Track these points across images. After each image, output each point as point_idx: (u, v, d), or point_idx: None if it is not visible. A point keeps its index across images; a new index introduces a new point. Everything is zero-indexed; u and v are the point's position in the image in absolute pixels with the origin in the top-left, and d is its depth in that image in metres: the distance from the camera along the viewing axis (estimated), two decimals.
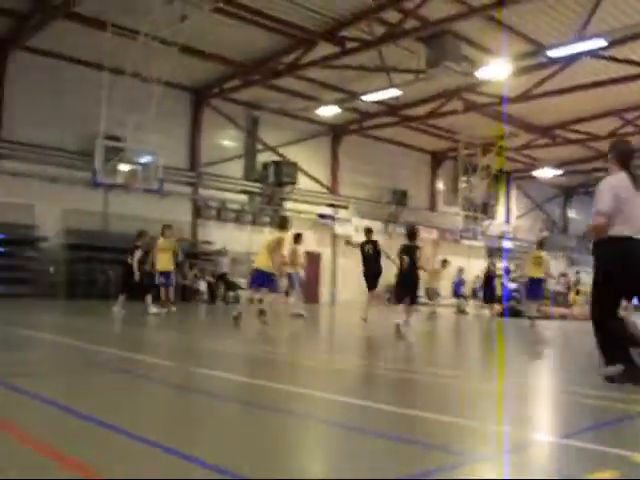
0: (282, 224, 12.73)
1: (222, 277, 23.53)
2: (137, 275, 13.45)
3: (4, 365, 5.74)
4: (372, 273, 14.36)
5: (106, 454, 2.87)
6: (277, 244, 11.88)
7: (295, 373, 6.18)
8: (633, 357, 5.35)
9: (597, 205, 5.66)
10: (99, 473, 2.57)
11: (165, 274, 14.47)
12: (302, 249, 16.59)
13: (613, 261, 5.49)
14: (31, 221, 21.52)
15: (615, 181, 5.61)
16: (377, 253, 14.51)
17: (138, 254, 13.56)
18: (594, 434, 3.62)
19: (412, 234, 12.23)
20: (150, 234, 15.28)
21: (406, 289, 12.04)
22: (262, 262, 11.93)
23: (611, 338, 5.45)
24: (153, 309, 13.45)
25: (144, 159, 20.21)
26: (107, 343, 8.11)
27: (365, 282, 14.33)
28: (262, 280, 11.98)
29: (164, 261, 14.34)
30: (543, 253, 16.23)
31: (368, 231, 15.12)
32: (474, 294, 24.46)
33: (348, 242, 15.65)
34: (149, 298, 13.73)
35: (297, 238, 16.03)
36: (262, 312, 11.70)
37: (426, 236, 33.07)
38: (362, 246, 14.61)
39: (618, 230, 5.47)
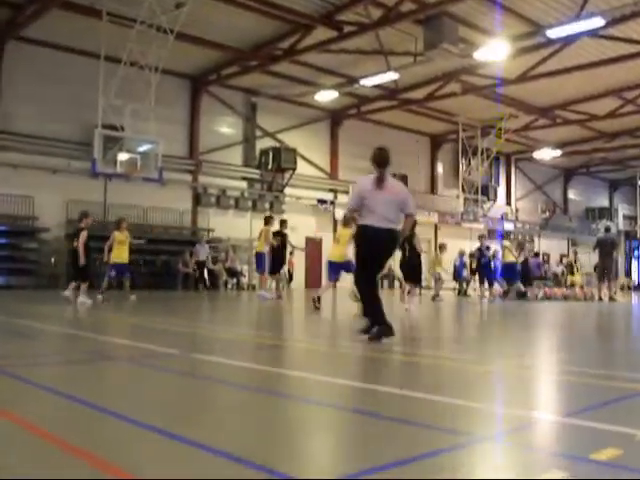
0: (346, 222, 12.80)
1: (201, 266, 22.72)
2: (82, 259, 13.21)
3: (5, 355, 5.75)
4: (278, 261, 17.09)
5: (111, 441, 2.89)
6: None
7: (298, 357, 6.21)
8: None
9: (350, 202, 7.44)
10: (108, 460, 2.58)
11: (120, 266, 14.66)
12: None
13: (362, 244, 7.16)
14: (31, 212, 21.54)
15: (362, 182, 7.25)
16: (284, 245, 16.97)
17: (84, 236, 13.35)
18: (596, 412, 3.63)
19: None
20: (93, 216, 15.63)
21: (410, 275, 13.46)
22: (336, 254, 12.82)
23: (374, 302, 7.03)
24: (82, 298, 13.18)
25: (143, 148, 20.17)
26: (107, 331, 8.15)
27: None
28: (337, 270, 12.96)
29: (121, 253, 14.49)
30: (507, 243, 19.97)
31: (282, 223, 17.39)
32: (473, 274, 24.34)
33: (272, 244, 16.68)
34: (84, 286, 13.47)
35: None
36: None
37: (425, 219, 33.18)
38: (274, 236, 16.77)
39: (363, 220, 6.98)
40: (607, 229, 23.27)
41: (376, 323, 6.96)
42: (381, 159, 7.12)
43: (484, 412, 3.70)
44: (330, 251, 13.72)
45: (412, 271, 13.51)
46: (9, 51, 21.05)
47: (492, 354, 6.71)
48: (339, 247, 12.81)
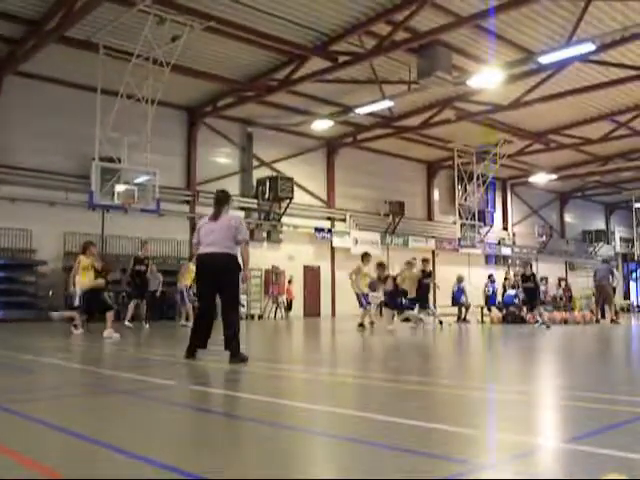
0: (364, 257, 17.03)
1: (152, 295, 19.25)
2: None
3: (4, 390, 5.72)
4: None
5: (111, 477, 2.88)
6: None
7: (292, 386, 6.18)
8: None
9: (193, 237, 8.09)
10: None
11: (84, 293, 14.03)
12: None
13: (196, 271, 8.01)
14: (29, 245, 21.56)
15: (203, 219, 8.04)
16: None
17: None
18: (600, 437, 3.62)
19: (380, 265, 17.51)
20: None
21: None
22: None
23: (195, 331, 7.81)
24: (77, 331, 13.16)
25: (140, 179, 20.23)
26: (106, 365, 8.12)
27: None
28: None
29: (83, 279, 13.87)
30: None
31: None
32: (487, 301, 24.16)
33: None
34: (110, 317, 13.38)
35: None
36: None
37: (422, 245, 33.23)
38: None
39: (199, 251, 7.78)
40: (604, 260, 23.86)
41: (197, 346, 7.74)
42: (219, 199, 8.01)
43: (485, 439, 3.68)
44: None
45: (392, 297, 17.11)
46: (7, 85, 21.21)
47: (492, 379, 6.69)
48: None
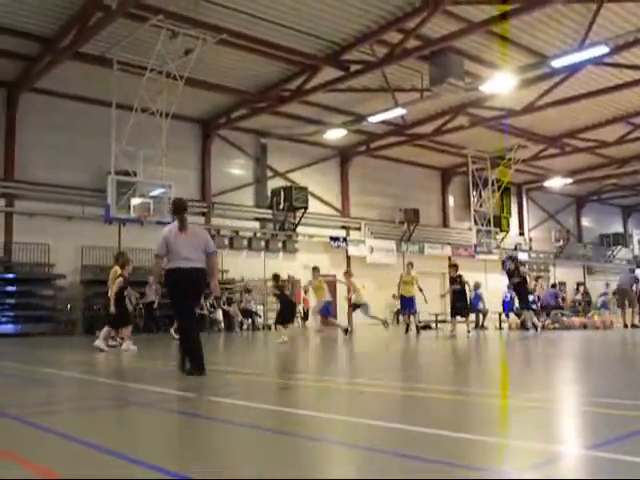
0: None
1: (148, 307, 19.91)
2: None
3: (24, 404, 5.76)
4: None
5: None
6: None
7: (305, 395, 6.17)
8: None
9: (156, 249, 7.93)
10: None
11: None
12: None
13: (172, 285, 7.69)
14: (47, 259, 21.74)
15: (167, 229, 7.86)
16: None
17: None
18: (622, 444, 3.59)
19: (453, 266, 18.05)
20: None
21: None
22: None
23: (188, 341, 7.72)
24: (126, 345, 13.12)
25: (156, 192, 20.34)
26: (126, 377, 8.15)
27: None
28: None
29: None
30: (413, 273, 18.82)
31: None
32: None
33: None
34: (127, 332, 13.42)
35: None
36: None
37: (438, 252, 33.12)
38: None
39: (170, 264, 7.67)
40: (631, 270, 23.61)
41: (191, 359, 7.65)
42: (177, 207, 7.96)
43: (506, 447, 3.66)
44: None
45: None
46: (23, 102, 21.49)
47: (512, 387, 6.64)
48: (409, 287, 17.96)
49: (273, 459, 3.47)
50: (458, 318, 17.76)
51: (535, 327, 17.78)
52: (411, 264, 19.50)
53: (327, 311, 18.11)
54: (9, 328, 20.68)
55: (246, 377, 8.00)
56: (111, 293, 12.98)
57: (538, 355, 11.58)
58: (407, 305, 18.60)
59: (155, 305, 19.20)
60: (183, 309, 7.81)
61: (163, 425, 4.68)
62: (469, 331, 17.82)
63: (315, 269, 17.36)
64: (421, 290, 18.19)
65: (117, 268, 13.27)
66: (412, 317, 18.72)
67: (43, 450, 3.78)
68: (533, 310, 18.92)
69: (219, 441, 4.04)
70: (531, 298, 22.35)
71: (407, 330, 18.29)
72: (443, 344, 14.48)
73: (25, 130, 21.58)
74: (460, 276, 17.56)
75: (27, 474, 3.19)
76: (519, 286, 17.80)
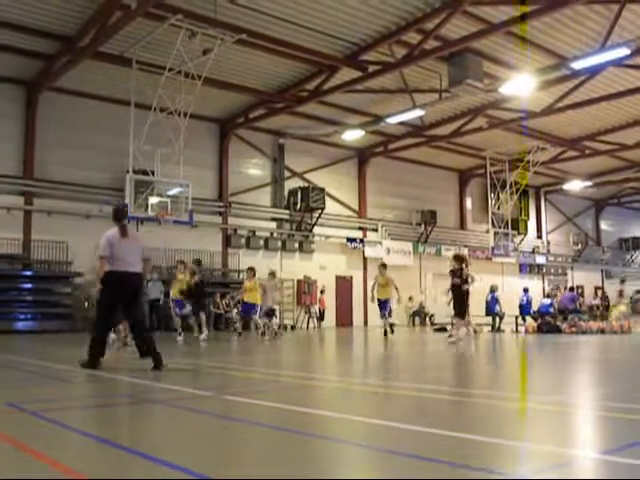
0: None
1: (153, 304, 19.18)
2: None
3: (44, 400, 5.80)
4: None
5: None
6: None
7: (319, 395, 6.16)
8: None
9: (98, 251, 8.42)
10: None
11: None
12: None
13: (113, 286, 8.20)
14: (65, 257, 21.90)
15: (110, 233, 8.39)
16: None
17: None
18: (637, 450, 3.54)
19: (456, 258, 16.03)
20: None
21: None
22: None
23: (99, 339, 8.30)
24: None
25: (173, 191, 20.43)
26: (140, 374, 8.17)
27: None
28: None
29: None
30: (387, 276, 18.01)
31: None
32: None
33: None
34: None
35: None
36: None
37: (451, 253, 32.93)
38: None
39: (114, 267, 8.20)
40: None
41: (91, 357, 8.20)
42: (120, 215, 8.61)
43: (522, 451, 3.63)
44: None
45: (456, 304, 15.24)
46: (43, 101, 21.67)
47: (528, 390, 6.59)
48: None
49: (293, 460, 3.46)
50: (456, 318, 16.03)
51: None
52: (384, 265, 18.68)
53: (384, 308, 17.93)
54: (27, 325, 20.88)
55: (260, 376, 8.01)
56: None
57: (554, 359, 11.49)
58: (384, 307, 18.07)
59: (160, 302, 19.34)
60: (109, 311, 8.43)
61: (182, 423, 4.68)
62: (470, 333, 16.97)
63: (383, 265, 18.15)
64: (397, 289, 17.88)
65: None
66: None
67: (64, 448, 3.79)
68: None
69: (237, 441, 4.04)
70: (548, 301, 22.22)
71: (386, 333, 17.79)
72: (456, 349, 14.39)
73: (44, 129, 21.77)
74: (461, 270, 15.09)
75: (54, 473, 3.21)
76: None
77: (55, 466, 3.24)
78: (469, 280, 15.21)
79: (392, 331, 17.88)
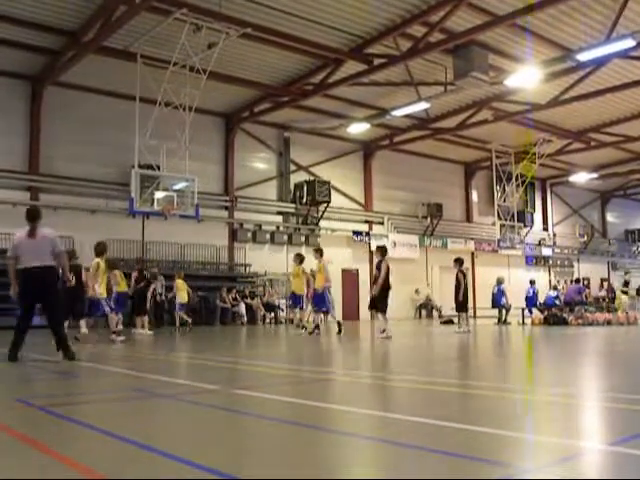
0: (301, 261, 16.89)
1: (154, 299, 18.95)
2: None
3: (50, 394, 5.83)
4: None
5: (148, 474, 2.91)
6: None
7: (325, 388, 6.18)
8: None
9: (8, 252, 8.96)
10: None
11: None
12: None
13: (21, 283, 8.54)
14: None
15: (18, 235, 8.88)
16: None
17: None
18: None
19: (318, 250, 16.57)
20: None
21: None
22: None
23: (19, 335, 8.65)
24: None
25: (179, 186, 20.43)
26: (146, 368, 8.21)
27: None
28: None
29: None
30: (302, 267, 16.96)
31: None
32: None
33: None
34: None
35: None
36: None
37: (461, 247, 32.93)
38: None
39: (19, 265, 8.57)
40: None
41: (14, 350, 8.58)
42: (30, 216, 8.95)
43: (529, 442, 3.64)
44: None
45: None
46: (47, 96, 21.69)
47: (535, 382, 6.60)
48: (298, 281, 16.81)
49: (304, 454, 3.48)
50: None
51: (339, 328, 15.54)
52: (299, 255, 17.10)
53: None
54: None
55: (265, 370, 8.03)
56: None
57: (561, 351, 11.49)
58: (296, 302, 17.21)
59: (162, 297, 19.44)
60: (23, 305, 8.76)
61: (192, 418, 4.71)
62: (461, 327, 16.52)
63: (317, 250, 16.61)
64: (308, 286, 17.34)
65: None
66: (316, 315, 16.59)
67: (76, 444, 3.81)
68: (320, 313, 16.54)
69: (249, 435, 4.05)
70: (554, 293, 22.20)
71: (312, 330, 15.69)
72: (458, 340, 14.40)
73: (49, 123, 21.80)
74: (461, 271, 16.66)
75: (66, 469, 3.23)
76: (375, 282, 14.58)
77: (65, 462, 3.26)
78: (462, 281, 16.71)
79: (339, 330, 15.71)
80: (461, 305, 16.66)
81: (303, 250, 27.74)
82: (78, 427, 4.22)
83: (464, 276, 16.73)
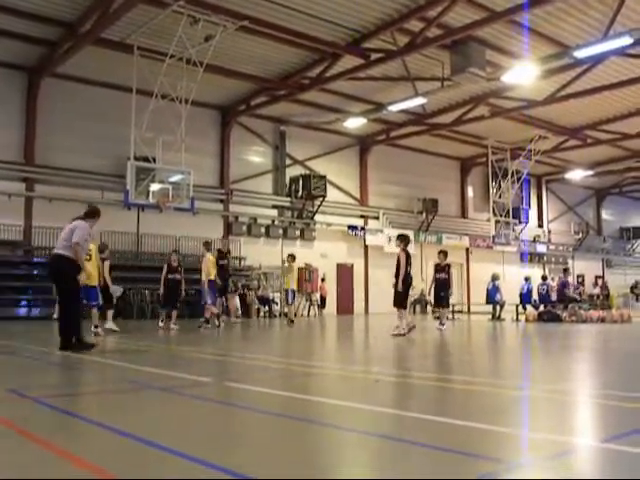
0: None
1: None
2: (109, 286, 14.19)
3: (46, 386, 5.83)
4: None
5: (144, 468, 2.92)
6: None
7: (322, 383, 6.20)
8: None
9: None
10: None
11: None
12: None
13: None
14: None
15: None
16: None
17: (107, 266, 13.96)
18: (637, 437, 3.57)
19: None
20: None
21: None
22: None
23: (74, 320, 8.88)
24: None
25: (175, 178, 20.43)
26: (141, 361, 8.22)
27: None
28: None
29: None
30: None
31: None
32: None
33: None
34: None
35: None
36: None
37: (456, 243, 32.97)
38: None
39: None
40: None
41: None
42: (86, 211, 9.49)
43: (521, 438, 3.66)
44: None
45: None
46: (44, 87, 21.62)
47: (529, 378, 6.63)
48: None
49: (299, 447, 3.49)
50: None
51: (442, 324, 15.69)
52: (291, 256, 17.85)
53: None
54: (28, 311, 20.92)
55: (257, 363, 8.05)
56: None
57: (555, 347, 11.53)
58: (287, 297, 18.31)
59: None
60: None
61: (185, 410, 4.71)
62: (442, 324, 15.76)
63: (290, 256, 17.74)
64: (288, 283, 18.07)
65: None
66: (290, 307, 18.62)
67: (64, 433, 3.82)
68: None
69: (241, 427, 4.07)
70: (543, 286, 22.26)
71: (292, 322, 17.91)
72: (452, 336, 14.43)
73: (45, 115, 21.73)
74: (449, 265, 16.26)
75: (49, 456, 3.24)
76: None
77: (57, 452, 3.27)
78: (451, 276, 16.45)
79: (291, 320, 18.05)
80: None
81: (298, 244, 27.83)
82: (71, 419, 4.22)
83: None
